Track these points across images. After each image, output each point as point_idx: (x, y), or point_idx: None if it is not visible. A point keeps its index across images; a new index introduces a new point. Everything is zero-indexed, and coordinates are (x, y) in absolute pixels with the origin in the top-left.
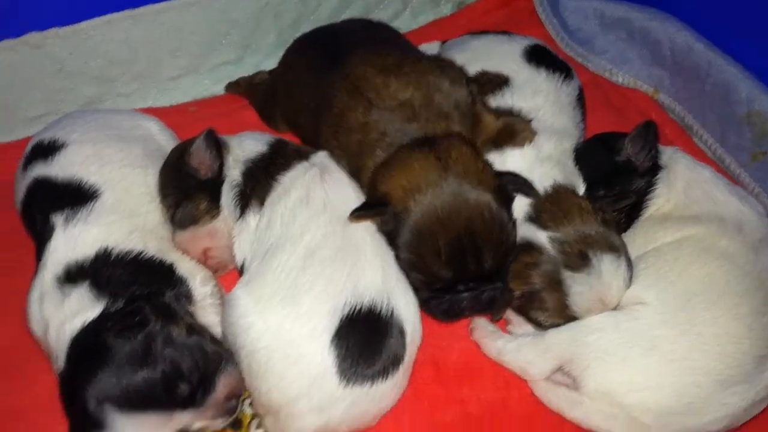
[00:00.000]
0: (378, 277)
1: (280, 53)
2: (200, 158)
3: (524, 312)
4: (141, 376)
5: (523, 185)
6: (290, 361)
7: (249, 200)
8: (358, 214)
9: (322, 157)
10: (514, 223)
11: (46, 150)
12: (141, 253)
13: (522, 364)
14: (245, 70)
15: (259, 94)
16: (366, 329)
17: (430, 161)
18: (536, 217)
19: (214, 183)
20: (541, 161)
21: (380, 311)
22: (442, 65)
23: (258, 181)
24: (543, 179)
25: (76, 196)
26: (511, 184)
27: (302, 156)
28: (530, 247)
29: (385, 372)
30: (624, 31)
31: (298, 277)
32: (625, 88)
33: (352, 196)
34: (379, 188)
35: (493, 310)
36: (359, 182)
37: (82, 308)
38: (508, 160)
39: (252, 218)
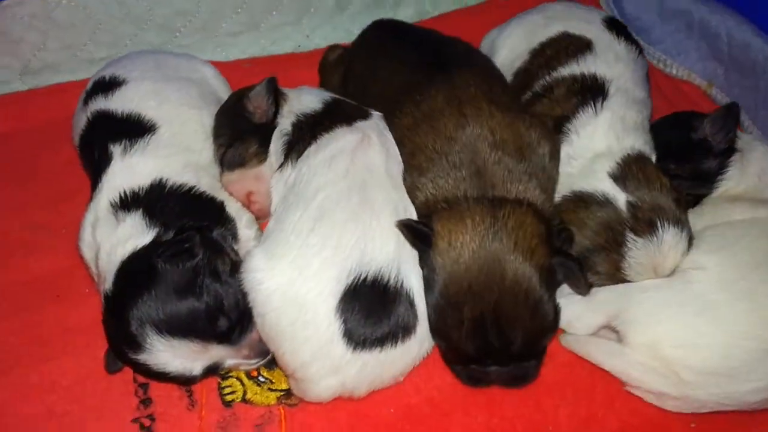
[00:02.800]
0: (390, 246)
1: (339, 18)
2: (258, 102)
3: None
4: (185, 305)
5: (575, 274)
6: (299, 325)
7: (291, 152)
8: (404, 230)
9: (369, 123)
10: (556, 307)
11: (107, 85)
12: (193, 187)
13: (569, 318)
14: (302, 32)
15: (329, 66)
16: (372, 297)
17: (483, 221)
18: (619, 178)
19: (267, 129)
20: (625, 128)
21: (387, 281)
22: (549, 130)
23: (303, 136)
24: (626, 145)
25: (135, 129)
26: (562, 267)
27: (350, 119)
28: (606, 203)
29: (393, 338)
30: (683, 23)
31: (308, 238)
32: (678, 80)
33: (380, 171)
34: (434, 221)
35: (523, 385)
36: (406, 183)
37: (135, 234)
38: (600, 123)
39: (287, 171)
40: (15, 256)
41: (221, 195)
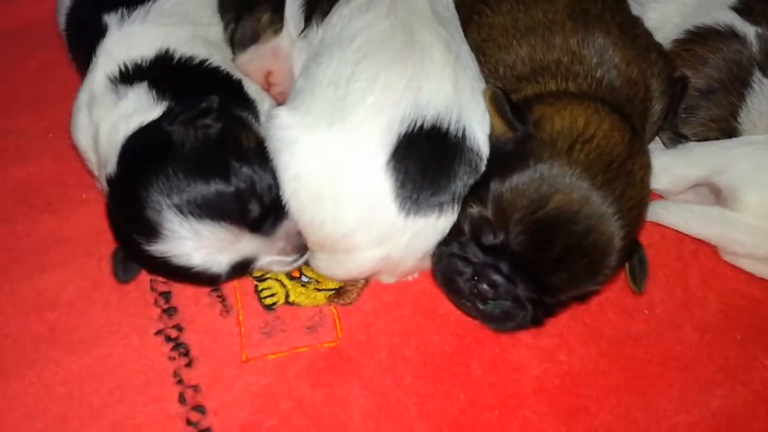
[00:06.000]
0: (447, 87)
1: None
2: None
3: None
4: (209, 182)
5: (640, 267)
6: (342, 187)
7: (314, 11)
8: (495, 99)
9: None
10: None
11: None
12: (206, 60)
13: (657, 171)
14: None
15: None
16: (430, 149)
17: (622, 139)
18: (744, 10)
19: None
20: None
21: (447, 129)
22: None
23: None
24: None
25: None
26: (638, 255)
27: None
28: (732, 36)
29: (454, 201)
30: None
31: (348, 85)
32: None
33: (425, 10)
34: (535, 110)
35: (503, 323)
36: (487, 68)
37: (140, 109)
38: None
39: (311, 34)
40: None
41: (238, 73)
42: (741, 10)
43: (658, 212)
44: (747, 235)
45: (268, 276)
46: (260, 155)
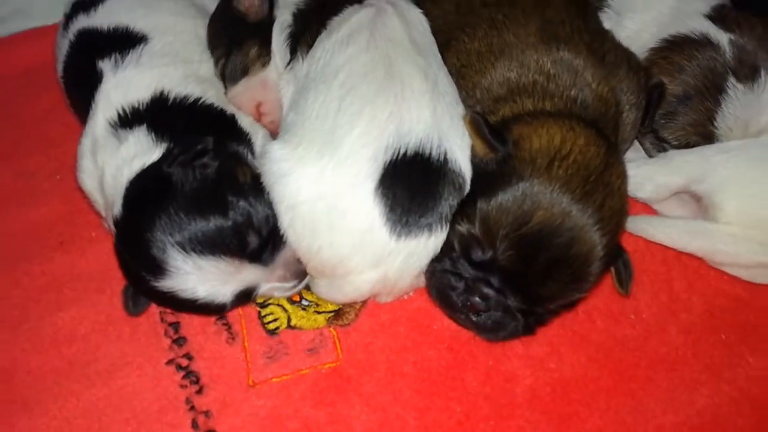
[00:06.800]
0: (426, 115)
1: None
2: (248, 1)
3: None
4: (209, 219)
5: (625, 270)
6: (336, 215)
7: (298, 46)
8: (474, 123)
9: None
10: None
11: (88, 3)
12: (200, 99)
13: (640, 180)
14: None
15: None
16: (414, 174)
17: (597, 153)
18: (718, 18)
19: (265, 26)
20: None
21: (429, 154)
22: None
23: (309, 25)
24: None
25: (124, 41)
26: (622, 259)
27: None
28: (706, 43)
29: (442, 221)
30: None
31: (335, 119)
32: None
33: (403, 40)
34: (514, 129)
35: (496, 333)
36: (466, 91)
37: (141, 152)
38: None
39: (297, 66)
40: (9, 206)
41: (231, 108)
42: (715, 18)
43: (643, 228)
44: (729, 245)
45: (270, 302)
46: (256, 188)
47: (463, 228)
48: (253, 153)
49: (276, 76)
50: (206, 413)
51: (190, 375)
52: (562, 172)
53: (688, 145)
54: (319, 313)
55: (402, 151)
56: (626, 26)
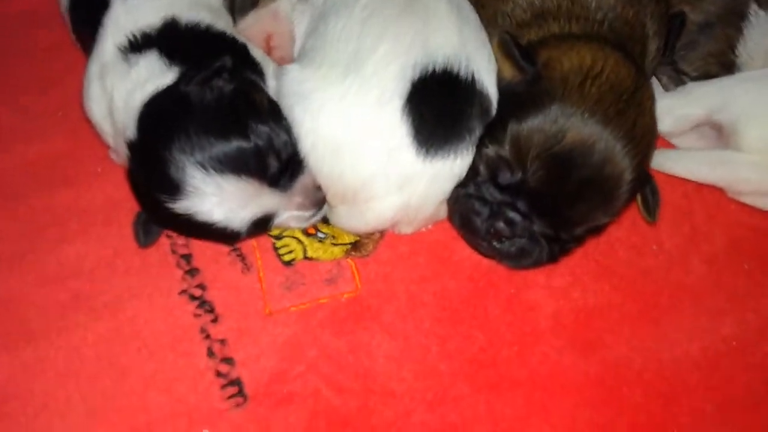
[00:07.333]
0: (453, 38)
1: None
2: None
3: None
4: (230, 138)
5: (653, 197)
6: (360, 136)
7: None
8: (503, 44)
9: None
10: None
11: None
12: (211, 26)
13: (659, 113)
14: None
15: None
16: (442, 93)
17: (628, 73)
18: None
19: None
20: None
21: (458, 73)
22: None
23: None
24: None
25: None
26: (649, 185)
27: None
28: None
29: (469, 143)
30: None
31: (359, 41)
32: None
33: None
34: (542, 53)
35: (519, 260)
36: (486, 20)
37: (153, 75)
38: None
39: None
40: (7, 142)
41: (242, 38)
42: None
43: (662, 163)
44: (752, 172)
45: (285, 234)
46: (274, 113)
47: (491, 150)
48: (265, 83)
49: (288, 8)
50: (222, 341)
51: (204, 305)
52: (594, 90)
53: (707, 76)
54: (335, 245)
55: (430, 69)
56: None
